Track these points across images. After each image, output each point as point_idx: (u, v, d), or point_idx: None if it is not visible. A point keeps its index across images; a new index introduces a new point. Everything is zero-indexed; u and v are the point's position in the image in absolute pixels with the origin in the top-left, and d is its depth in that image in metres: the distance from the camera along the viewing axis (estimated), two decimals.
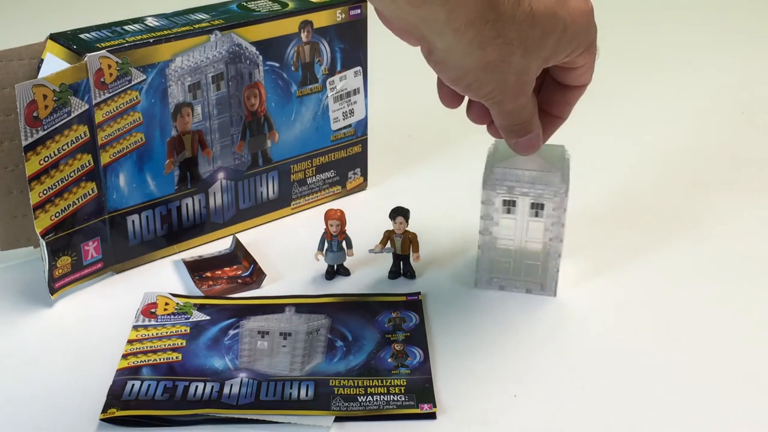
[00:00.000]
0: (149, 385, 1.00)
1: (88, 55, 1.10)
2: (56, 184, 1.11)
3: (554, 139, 1.17)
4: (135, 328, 1.09)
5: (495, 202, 1.10)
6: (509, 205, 1.10)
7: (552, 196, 1.08)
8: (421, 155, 1.50)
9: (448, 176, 1.37)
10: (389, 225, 1.18)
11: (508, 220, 1.11)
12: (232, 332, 1.08)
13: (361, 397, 0.98)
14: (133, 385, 1.00)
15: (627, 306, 1.13)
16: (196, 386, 1.00)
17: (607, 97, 1.72)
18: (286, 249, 1.25)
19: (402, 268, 1.19)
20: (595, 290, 1.16)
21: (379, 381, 1.00)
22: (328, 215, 1.17)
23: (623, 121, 1.64)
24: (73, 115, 1.10)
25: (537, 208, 1.09)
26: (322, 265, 1.20)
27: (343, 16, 1.28)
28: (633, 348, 1.06)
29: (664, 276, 1.19)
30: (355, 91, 1.34)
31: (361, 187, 1.40)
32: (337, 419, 0.96)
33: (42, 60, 1.13)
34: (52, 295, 1.14)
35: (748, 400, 0.97)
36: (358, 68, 1.33)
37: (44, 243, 1.11)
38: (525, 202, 1.10)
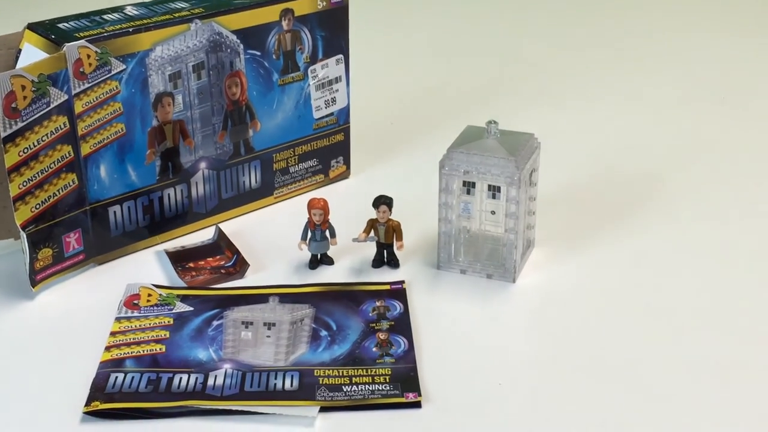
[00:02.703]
0: (133, 377, 0.99)
1: (67, 45, 1.09)
2: (36, 175, 1.10)
3: (527, 127, 1.17)
4: (118, 320, 1.08)
5: (453, 188, 1.12)
6: (468, 186, 1.12)
7: (507, 184, 1.10)
8: (403, 143, 1.50)
9: (432, 163, 1.36)
10: (373, 213, 1.17)
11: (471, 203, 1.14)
12: (215, 323, 1.08)
13: (346, 386, 0.97)
14: (116, 377, 0.99)
15: (604, 290, 1.14)
16: (180, 378, 0.99)
17: (586, 84, 1.72)
18: (269, 238, 1.24)
19: (386, 256, 1.18)
20: (575, 276, 1.16)
21: (364, 370, 1.00)
22: (311, 204, 1.16)
23: (602, 107, 1.64)
24: (52, 106, 1.09)
25: (494, 190, 1.11)
26: (306, 255, 1.19)
27: (324, 3, 1.28)
28: (610, 332, 1.06)
29: (637, 261, 1.19)
30: (337, 79, 1.33)
31: (344, 175, 1.40)
32: (322, 409, 0.95)
33: (20, 50, 1.12)
34: (33, 287, 1.13)
35: (720, 381, 0.99)
36: (340, 56, 1.32)
37: (25, 235, 1.10)
38: (483, 185, 1.12)
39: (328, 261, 1.19)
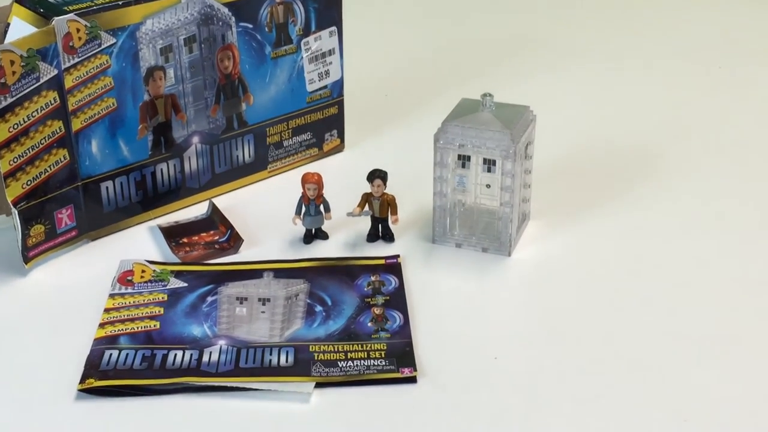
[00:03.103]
0: (127, 354, 0.98)
1: (56, 18, 1.07)
2: (27, 151, 1.09)
3: (523, 99, 1.16)
4: (112, 296, 1.07)
5: (448, 161, 1.12)
6: (464, 159, 1.12)
7: (502, 158, 1.10)
8: (398, 116, 1.49)
9: (427, 136, 1.35)
10: (367, 187, 1.17)
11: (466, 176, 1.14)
12: (210, 299, 1.07)
13: (342, 362, 0.97)
14: (111, 354, 0.98)
15: (600, 262, 1.14)
16: (175, 354, 0.98)
17: (583, 55, 1.71)
18: (263, 213, 1.24)
19: (381, 231, 1.18)
20: (571, 249, 1.16)
21: (359, 345, 0.99)
22: (305, 178, 1.16)
23: (599, 79, 1.63)
24: (42, 81, 1.08)
25: (489, 163, 1.11)
26: (300, 230, 1.18)
27: None
28: (606, 305, 1.06)
29: (633, 233, 1.19)
30: (331, 52, 1.32)
31: (338, 149, 1.39)
32: (318, 385, 0.95)
33: (8, 24, 1.10)
34: (26, 264, 1.12)
35: (716, 352, 0.99)
36: (333, 28, 1.31)
37: (16, 212, 1.10)
38: (478, 158, 1.12)
39: (322, 236, 1.19)
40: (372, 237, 1.18)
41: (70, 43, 1.09)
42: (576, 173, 1.33)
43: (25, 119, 1.08)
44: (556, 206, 1.24)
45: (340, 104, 1.37)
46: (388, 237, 1.18)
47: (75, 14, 1.08)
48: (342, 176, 1.28)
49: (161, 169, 1.22)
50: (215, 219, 1.23)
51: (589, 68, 1.66)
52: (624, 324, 1.04)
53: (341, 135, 1.39)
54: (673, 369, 0.97)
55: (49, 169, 1.12)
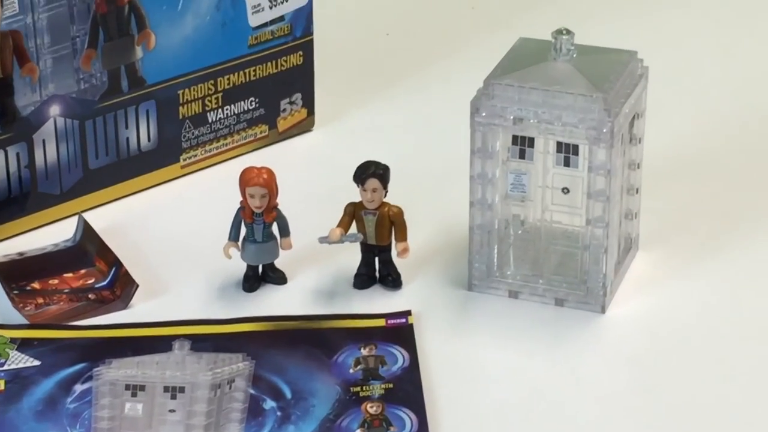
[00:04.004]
0: None
1: None
2: None
3: (620, 41, 1.16)
4: None
5: (495, 148, 1.12)
6: (523, 144, 1.12)
7: (590, 141, 1.09)
8: (403, 69, 1.50)
9: (456, 103, 1.33)
10: (354, 193, 1.14)
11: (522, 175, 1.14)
12: (80, 387, 1.06)
13: None
14: None
15: (758, 329, 1.13)
16: None
17: None
18: (173, 238, 1.24)
19: (378, 268, 1.17)
20: (708, 302, 1.15)
21: None
22: (247, 179, 1.14)
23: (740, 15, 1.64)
24: None
25: (567, 151, 1.11)
26: (239, 267, 1.17)
27: None
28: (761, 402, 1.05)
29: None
30: None
31: (304, 126, 1.39)
32: None
33: None
34: None
35: None
36: None
37: None
38: (548, 142, 1.12)
39: (276, 277, 1.18)
40: (364, 279, 1.18)
41: None
42: (716, 167, 1.33)
43: None
44: (683, 227, 1.25)
45: (307, 49, 1.36)
46: (392, 279, 1.17)
47: None
48: (310, 174, 1.30)
49: None
50: (89, 249, 1.22)
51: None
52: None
53: (309, 103, 1.39)
54: None
55: None
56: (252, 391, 1.05)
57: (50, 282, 1.18)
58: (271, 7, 1.32)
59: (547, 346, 1.11)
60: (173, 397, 1.04)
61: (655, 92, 1.19)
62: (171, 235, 1.24)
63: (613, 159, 1.09)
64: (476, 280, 1.16)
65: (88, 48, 1.23)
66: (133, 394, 1.05)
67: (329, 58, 1.41)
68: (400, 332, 1.11)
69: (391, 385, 1.05)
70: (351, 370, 1.07)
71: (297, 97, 1.37)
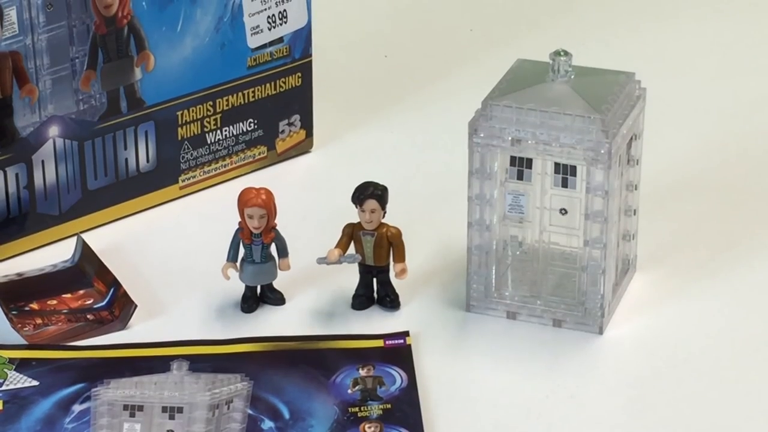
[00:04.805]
0: None
1: None
2: None
3: (616, 62, 1.15)
4: None
5: (494, 169, 1.12)
6: (521, 165, 1.12)
7: (588, 162, 1.09)
8: (402, 90, 1.50)
9: (452, 125, 1.36)
10: (352, 214, 1.15)
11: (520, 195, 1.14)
12: (78, 408, 1.06)
13: None
14: None
15: (755, 350, 1.13)
16: None
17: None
18: (171, 259, 1.24)
19: (377, 289, 1.17)
20: (708, 324, 1.15)
21: None
22: (245, 200, 1.14)
23: (745, 21, 1.65)
24: None
25: (565, 172, 1.12)
26: (237, 288, 1.17)
27: None
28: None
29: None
30: None
31: (302, 147, 1.40)
32: None
33: None
34: None
35: None
36: None
37: None
38: (546, 163, 1.12)
39: (275, 298, 1.18)
40: (362, 300, 1.18)
41: None
42: (713, 188, 1.34)
43: None
44: (681, 248, 1.25)
45: (306, 71, 1.37)
46: (390, 300, 1.18)
47: None
48: (309, 195, 1.30)
49: None
50: (88, 269, 1.22)
51: (720, 10, 1.67)
52: None
53: (307, 125, 1.39)
54: None
55: None
56: (250, 412, 1.05)
57: (49, 302, 1.18)
58: (270, 29, 1.33)
59: (545, 367, 1.11)
60: (171, 418, 1.05)
61: (652, 113, 1.19)
62: (170, 256, 1.25)
63: (610, 180, 1.09)
64: (474, 301, 1.16)
65: (88, 69, 1.23)
66: (132, 415, 1.05)
67: (328, 79, 1.42)
68: (398, 353, 1.11)
69: (389, 406, 1.05)
70: (349, 391, 1.07)
71: (295, 118, 1.38)
